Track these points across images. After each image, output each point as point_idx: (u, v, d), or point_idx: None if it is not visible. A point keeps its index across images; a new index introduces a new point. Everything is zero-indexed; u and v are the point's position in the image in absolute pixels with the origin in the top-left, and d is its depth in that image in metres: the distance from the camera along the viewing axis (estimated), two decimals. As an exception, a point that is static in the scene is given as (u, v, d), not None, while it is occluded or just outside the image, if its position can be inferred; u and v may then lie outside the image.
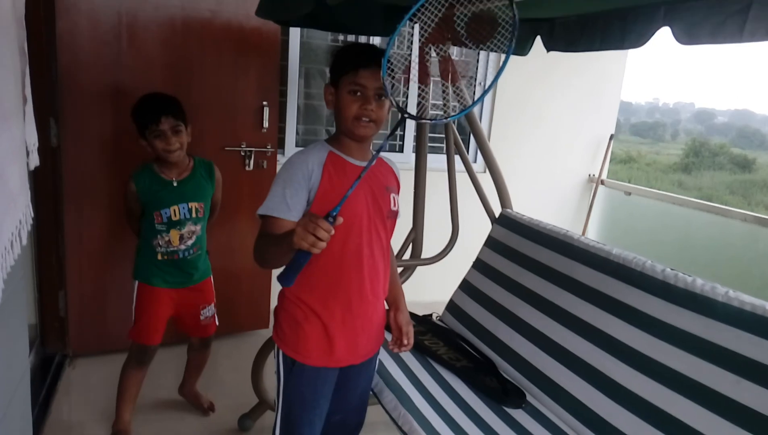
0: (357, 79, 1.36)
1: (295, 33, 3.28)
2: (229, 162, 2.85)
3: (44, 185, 2.51)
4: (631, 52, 4.27)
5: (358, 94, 1.37)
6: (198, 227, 2.11)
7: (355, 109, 1.38)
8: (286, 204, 1.36)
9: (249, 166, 2.89)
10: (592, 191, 4.26)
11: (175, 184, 2.04)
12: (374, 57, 1.36)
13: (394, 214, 1.53)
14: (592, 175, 4.29)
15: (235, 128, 2.84)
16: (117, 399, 2.17)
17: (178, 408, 2.43)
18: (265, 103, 2.86)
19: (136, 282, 2.10)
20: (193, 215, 2.07)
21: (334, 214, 1.15)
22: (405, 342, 1.55)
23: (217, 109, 2.78)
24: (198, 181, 2.10)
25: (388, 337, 1.62)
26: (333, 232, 1.13)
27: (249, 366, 2.25)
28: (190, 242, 2.09)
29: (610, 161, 4.41)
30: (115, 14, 2.47)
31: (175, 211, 2.03)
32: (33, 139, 1.33)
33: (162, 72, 2.62)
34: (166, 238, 2.05)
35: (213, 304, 2.25)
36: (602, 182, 4.25)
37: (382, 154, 1.49)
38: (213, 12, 2.66)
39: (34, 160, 1.35)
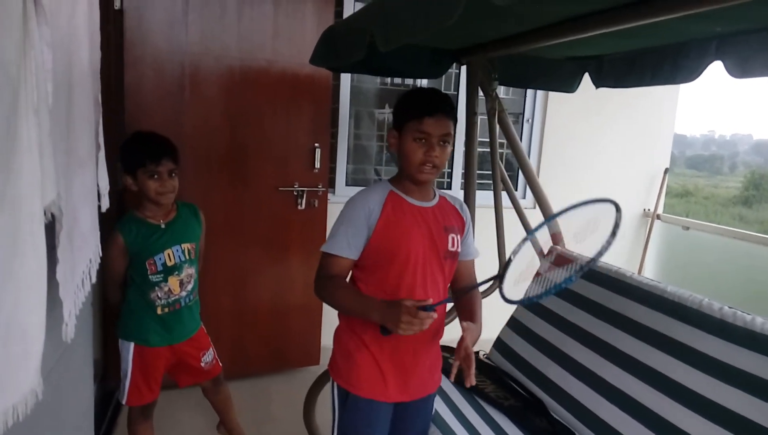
0: (422, 127, 1.40)
1: (345, 77, 3.39)
2: (283, 201, 2.95)
3: (110, 227, 2.64)
4: (684, 84, 4.19)
5: (423, 141, 1.41)
6: (193, 270, 2.03)
7: (419, 155, 1.41)
8: (347, 243, 1.42)
9: (301, 206, 2.97)
10: (648, 226, 4.14)
11: (163, 226, 1.95)
12: (439, 104, 1.41)
13: (453, 255, 1.53)
14: (647, 210, 4.18)
15: (288, 169, 2.94)
16: None
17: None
18: (317, 144, 2.95)
19: (132, 344, 1.97)
20: (188, 257, 1.99)
21: (433, 307, 1.27)
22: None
23: (272, 151, 2.89)
24: (186, 220, 2.03)
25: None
26: (434, 318, 1.27)
27: (300, 402, 2.27)
28: (190, 287, 2.02)
29: (666, 195, 4.29)
30: (179, 65, 2.64)
31: (169, 255, 1.94)
32: (104, 184, 1.43)
33: (221, 118, 2.76)
34: (166, 289, 1.95)
35: (211, 349, 2.17)
36: (658, 217, 4.13)
37: (447, 193, 1.61)
38: (269, 62, 2.80)
39: (105, 203, 1.44)
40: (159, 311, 1.96)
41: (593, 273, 2.05)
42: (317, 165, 2.98)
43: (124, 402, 2.00)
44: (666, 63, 2.01)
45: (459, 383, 2.03)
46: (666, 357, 1.63)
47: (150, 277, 1.92)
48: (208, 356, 2.15)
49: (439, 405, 1.86)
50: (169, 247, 1.94)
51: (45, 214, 0.92)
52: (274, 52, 2.81)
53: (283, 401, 2.85)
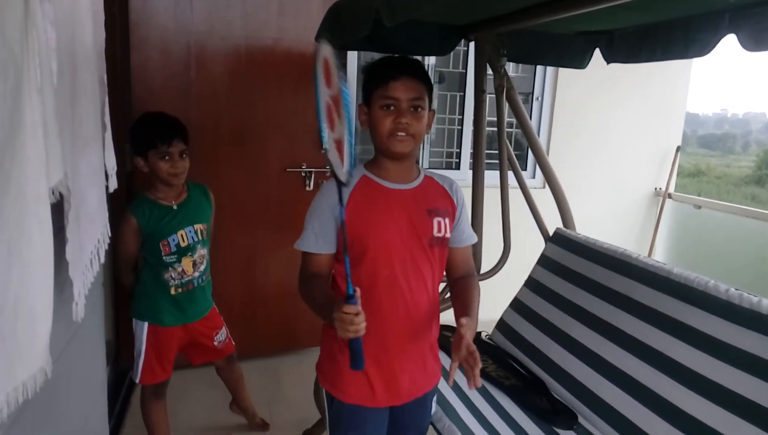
0: (388, 92, 1.28)
1: (352, 57, 3.36)
2: (291, 183, 2.94)
3: (118, 208, 2.66)
4: (696, 62, 4.13)
5: (391, 108, 1.28)
6: (205, 251, 2.04)
7: (388, 124, 1.28)
8: (315, 238, 1.34)
9: (309, 187, 2.97)
10: (659, 205, 4.10)
11: (175, 207, 1.95)
12: (405, 67, 1.30)
13: (441, 241, 1.37)
14: (658, 189, 4.13)
15: (295, 150, 2.93)
16: (152, 432, 2.11)
17: (235, 428, 2.48)
18: (324, 124, 2.93)
19: (146, 324, 1.99)
20: (200, 237, 2.00)
21: (351, 292, 1.13)
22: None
23: (280, 131, 2.88)
24: (197, 201, 2.03)
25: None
26: (359, 309, 1.11)
27: (310, 382, 2.29)
28: (202, 268, 2.03)
29: (678, 175, 4.25)
30: (185, 46, 2.62)
31: (182, 236, 1.94)
32: (111, 164, 1.43)
33: (227, 98, 2.75)
34: (179, 269, 1.96)
35: (224, 328, 2.19)
36: (670, 196, 4.09)
37: (437, 172, 1.46)
38: (275, 40, 2.78)
39: (113, 184, 1.44)
40: (173, 292, 1.97)
41: (598, 254, 2.04)
42: (325, 145, 2.96)
43: (137, 381, 2.03)
44: (678, 37, 1.97)
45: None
46: (670, 338, 1.62)
47: (164, 258, 1.93)
48: (221, 335, 2.16)
49: (440, 383, 1.86)
50: (181, 228, 1.94)
51: (53, 193, 0.92)
52: (280, 29, 2.78)
53: (293, 381, 2.88)
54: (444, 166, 3.81)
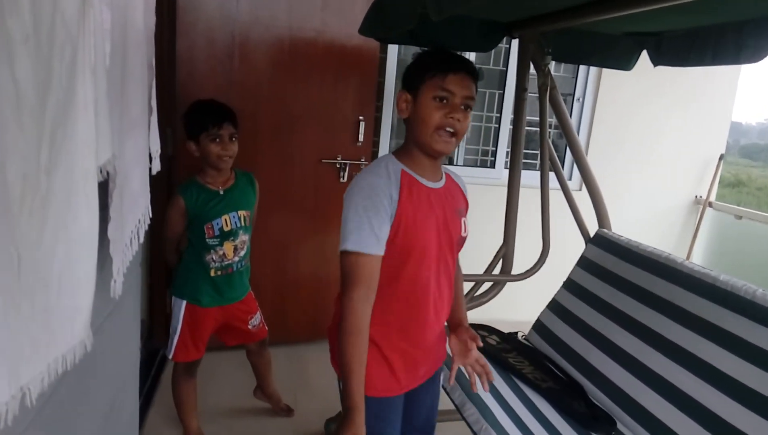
0: (445, 84, 1.22)
1: (392, 50, 3.35)
2: (326, 174, 2.96)
3: (159, 190, 2.71)
4: (745, 68, 3.98)
5: (445, 101, 1.23)
6: (247, 237, 2.09)
7: (438, 117, 1.23)
8: (376, 236, 1.20)
9: (343, 178, 2.98)
10: (699, 214, 3.99)
11: (221, 192, 2.01)
12: (464, 63, 1.26)
13: (463, 241, 1.40)
14: (698, 197, 4.02)
15: (332, 141, 2.94)
16: (178, 412, 2.18)
17: (261, 412, 2.51)
18: (361, 117, 2.94)
19: (184, 302, 2.04)
20: (243, 224, 2.05)
21: None
22: (477, 353, 1.42)
23: (317, 123, 2.90)
24: (243, 189, 2.09)
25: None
26: None
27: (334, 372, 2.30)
28: (242, 253, 2.08)
29: (717, 185, 4.12)
30: (229, 34, 2.65)
31: (226, 220, 2.00)
32: (156, 147, 1.46)
33: (269, 87, 2.77)
34: (221, 252, 2.02)
35: (258, 313, 2.23)
36: (710, 204, 3.97)
37: (451, 168, 1.46)
38: (318, 32, 2.79)
39: (156, 166, 1.46)
40: (212, 273, 2.03)
41: (641, 257, 1.99)
42: (361, 138, 2.97)
43: (170, 357, 2.09)
44: (730, 41, 1.91)
45: (495, 362, 2.02)
46: (715, 347, 1.58)
47: (207, 240, 1.99)
48: (256, 320, 2.22)
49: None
50: (226, 213, 2.00)
51: (100, 172, 0.94)
52: (323, 22, 2.79)
53: (318, 370, 2.90)
54: (479, 164, 3.78)
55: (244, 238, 2.07)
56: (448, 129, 1.24)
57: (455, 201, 1.38)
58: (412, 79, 1.29)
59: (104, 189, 1.03)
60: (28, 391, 0.74)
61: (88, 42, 0.86)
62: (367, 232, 1.19)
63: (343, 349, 1.20)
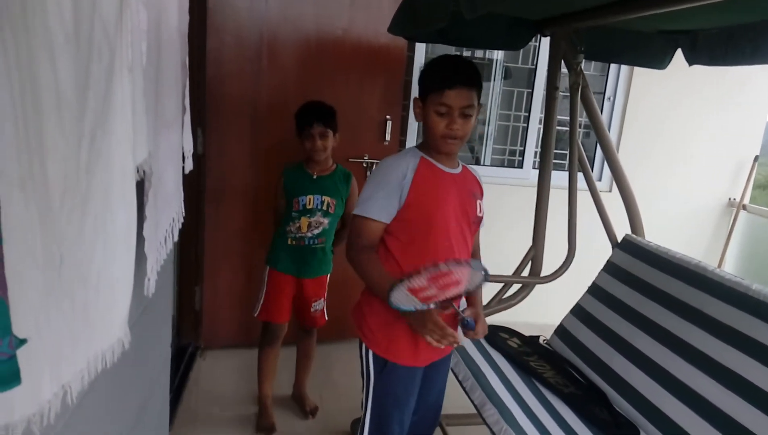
0: (443, 100, 1.41)
1: (420, 49, 3.33)
2: (353, 173, 2.94)
3: (189, 189, 2.74)
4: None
5: (445, 114, 1.42)
6: (326, 221, 2.31)
7: (441, 128, 1.43)
8: (381, 206, 1.44)
9: (370, 178, 2.97)
10: (732, 217, 3.88)
11: (315, 177, 2.31)
12: (460, 75, 1.42)
13: (479, 220, 1.58)
14: (732, 199, 3.92)
15: (359, 140, 2.93)
16: (258, 377, 2.41)
17: (294, 408, 2.53)
18: (388, 117, 2.93)
19: (267, 268, 2.36)
20: (324, 208, 2.29)
21: (471, 323, 1.40)
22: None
23: (345, 122, 2.87)
24: (335, 180, 2.35)
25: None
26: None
27: (358, 370, 2.30)
28: (316, 231, 2.30)
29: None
30: (258, 33, 2.67)
31: (310, 199, 2.28)
32: (189, 146, 1.47)
33: (296, 86, 2.78)
34: (297, 224, 2.28)
35: (323, 299, 2.43)
36: (744, 207, 3.87)
37: (477, 168, 1.65)
38: (345, 30, 2.79)
39: (189, 165, 1.48)
40: (289, 241, 2.31)
41: (670, 264, 1.94)
42: (387, 137, 2.96)
43: (255, 315, 2.38)
44: (767, 40, 1.86)
45: (516, 365, 1.99)
46: (745, 358, 1.53)
47: (292, 212, 2.29)
48: (318, 305, 2.42)
49: (495, 383, 1.84)
50: (312, 193, 2.29)
51: (137, 171, 0.95)
52: (351, 20, 2.78)
53: (344, 369, 2.90)
54: (506, 164, 3.74)
55: (320, 219, 2.30)
56: (450, 139, 1.45)
57: (470, 185, 1.57)
58: (420, 90, 1.49)
59: (140, 188, 1.04)
60: (69, 389, 0.75)
61: (125, 42, 0.87)
62: (374, 202, 1.44)
63: (369, 282, 1.47)
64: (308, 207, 2.28)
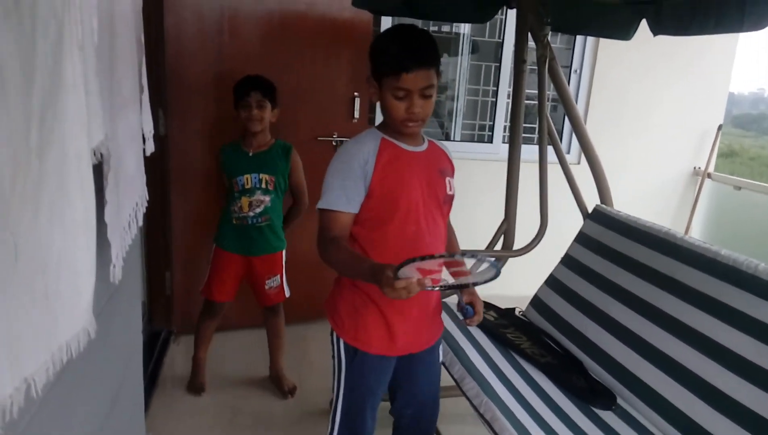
0: (399, 84, 1.30)
1: (386, 23, 3.28)
2: (321, 152, 2.92)
3: (153, 172, 2.67)
4: (742, 37, 3.93)
5: (403, 97, 1.32)
6: (267, 198, 2.30)
7: (401, 112, 1.34)
8: (346, 197, 1.35)
9: (340, 156, 2.94)
10: (698, 186, 3.97)
11: (250, 154, 2.28)
12: (417, 57, 1.31)
13: (450, 199, 1.50)
14: (697, 168, 4.00)
15: (327, 118, 2.89)
16: (194, 342, 2.48)
17: (272, 388, 2.53)
18: (356, 94, 2.89)
19: (214, 246, 2.39)
20: (263, 186, 2.28)
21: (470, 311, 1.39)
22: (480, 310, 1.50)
23: (311, 99, 2.85)
24: (272, 156, 2.32)
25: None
26: (416, 278, 1.14)
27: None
28: (258, 210, 2.30)
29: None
30: (218, 9, 2.59)
31: (247, 179, 2.26)
32: (149, 127, 1.42)
33: (260, 63, 2.71)
34: (239, 205, 2.28)
35: (279, 276, 2.43)
36: (709, 175, 3.96)
37: (447, 144, 1.56)
38: (308, 5, 2.72)
39: (150, 147, 1.43)
40: (234, 221, 2.32)
41: (641, 232, 1.97)
42: (356, 115, 2.92)
43: (200, 291, 2.44)
44: (733, 8, 1.87)
45: (493, 337, 2.02)
46: (716, 322, 1.57)
47: (234, 193, 2.29)
48: (273, 282, 2.41)
49: (473, 355, 1.86)
50: (248, 173, 2.27)
51: (93, 154, 0.90)
52: (314, -5, 2.72)
53: (321, 348, 2.88)
54: (476, 140, 3.74)
55: (261, 197, 2.29)
56: (411, 122, 1.35)
57: (438, 162, 1.48)
58: (374, 68, 1.37)
59: (98, 172, 1.00)
60: (33, 381, 0.72)
61: (73, 17, 0.83)
62: (337, 193, 1.35)
63: (343, 268, 1.39)
64: (246, 187, 2.27)
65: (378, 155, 1.37)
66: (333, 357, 1.51)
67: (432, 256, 1.17)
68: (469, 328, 2.07)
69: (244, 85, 2.25)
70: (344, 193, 1.35)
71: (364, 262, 1.29)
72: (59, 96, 0.78)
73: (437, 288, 1.25)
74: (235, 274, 2.37)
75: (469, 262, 1.26)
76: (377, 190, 1.36)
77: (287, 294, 2.47)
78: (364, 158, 1.35)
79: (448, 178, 1.48)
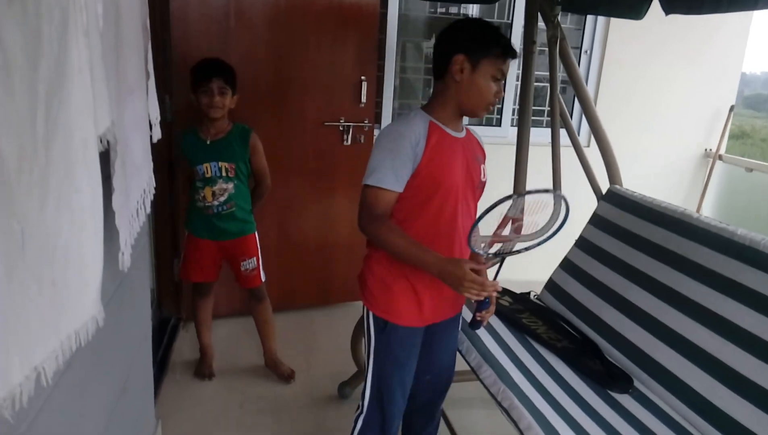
0: (504, 67, 1.40)
1: (393, 5, 3.24)
2: (329, 137, 2.90)
3: (160, 158, 2.66)
4: (756, 16, 3.85)
5: (499, 81, 1.41)
6: (230, 186, 2.26)
7: (491, 94, 1.41)
8: (395, 175, 1.38)
9: (347, 141, 2.92)
10: (709, 167, 3.92)
11: (208, 142, 2.23)
12: (514, 49, 1.43)
13: (483, 185, 1.57)
14: (708, 150, 3.95)
15: (334, 103, 2.87)
16: (196, 329, 2.50)
17: (275, 377, 2.52)
18: (363, 77, 2.86)
19: (187, 232, 2.37)
20: (223, 174, 2.24)
21: (487, 302, 1.41)
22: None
23: (318, 84, 2.82)
24: (230, 142, 2.25)
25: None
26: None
27: (345, 336, 2.31)
28: (222, 199, 2.26)
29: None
30: (224, -8, 2.56)
31: (207, 168, 2.22)
32: (155, 113, 1.41)
33: (266, 48, 2.69)
34: (202, 194, 2.25)
35: (255, 258, 2.39)
36: (720, 157, 3.91)
37: (468, 126, 1.60)
38: (314, -12, 2.68)
39: (157, 133, 1.42)
40: (201, 212, 2.28)
41: (656, 213, 1.95)
42: (363, 99, 2.89)
43: (178, 275, 2.48)
44: (747, -15, 1.82)
45: (509, 323, 2.01)
46: (733, 303, 1.55)
47: (196, 182, 2.26)
48: (249, 264, 2.38)
49: (489, 342, 1.84)
50: (207, 161, 2.22)
51: (100, 141, 0.90)
52: (321, -22, 2.68)
53: (328, 334, 2.91)
54: (484, 123, 3.71)
55: (223, 186, 2.25)
56: (494, 104, 1.45)
57: (475, 149, 1.55)
58: (472, 49, 1.40)
59: (105, 159, 0.99)
60: (43, 370, 0.72)
61: (78, 3, 0.81)
62: (387, 170, 1.37)
63: (393, 251, 1.40)
64: (207, 175, 2.23)
65: (428, 137, 1.41)
66: (364, 330, 1.56)
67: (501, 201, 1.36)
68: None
69: (206, 70, 2.17)
70: (393, 171, 1.38)
71: (427, 253, 1.34)
72: (65, 83, 0.77)
73: (489, 253, 1.39)
74: (209, 256, 2.36)
75: (541, 203, 1.42)
76: (423, 170, 1.40)
77: (263, 278, 2.43)
78: (415, 139, 1.39)
79: (482, 166, 1.55)
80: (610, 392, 1.65)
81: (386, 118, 3.40)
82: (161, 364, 2.47)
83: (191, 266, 2.38)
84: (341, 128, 2.91)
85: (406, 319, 1.50)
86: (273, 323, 2.52)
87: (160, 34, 2.52)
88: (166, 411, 2.16)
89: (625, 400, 1.63)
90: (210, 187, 2.23)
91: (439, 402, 1.77)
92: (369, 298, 1.53)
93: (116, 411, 1.29)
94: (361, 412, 1.57)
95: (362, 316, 1.57)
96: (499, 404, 1.59)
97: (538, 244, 1.46)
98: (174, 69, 2.56)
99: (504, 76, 1.41)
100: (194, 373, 2.47)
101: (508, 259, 1.50)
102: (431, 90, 1.53)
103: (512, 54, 1.41)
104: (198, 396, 2.33)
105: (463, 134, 1.51)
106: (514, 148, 2.51)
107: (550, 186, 2.44)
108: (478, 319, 1.47)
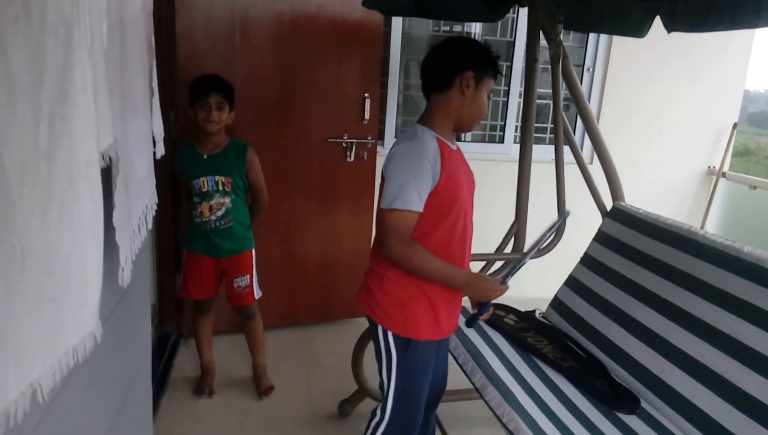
0: (492, 86, 1.53)
1: (396, 23, 3.27)
2: (332, 153, 2.91)
3: (163, 175, 2.67)
4: (758, 34, 3.87)
5: (489, 98, 1.54)
6: (227, 200, 2.26)
7: (485, 110, 1.53)
8: (419, 196, 1.40)
9: (350, 158, 2.93)
10: (712, 184, 3.92)
11: (205, 157, 2.23)
12: None
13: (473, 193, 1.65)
14: (711, 168, 3.94)
15: (337, 120, 2.88)
16: (196, 346, 2.50)
17: (280, 390, 2.51)
18: (366, 94, 2.88)
19: (186, 250, 2.38)
20: (220, 188, 2.24)
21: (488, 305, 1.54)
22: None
23: (322, 101, 2.84)
24: (227, 157, 2.26)
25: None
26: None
27: (347, 353, 2.29)
28: (219, 213, 2.26)
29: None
30: (229, 11, 2.59)
31: (203, 182, 2.23)
32: (159, 130, 1.41)
33: (271, 66, 2.72)
34: (200, 210, 2.25)
35: (249, 276, 2.39)
36: (724, 175, 3.90)
37: (460, 144, 1.66)
38: (319, 6, 2.72)
39: (160, 150, 1.43)
40: (200, 227, 2.29)
41: (662, 230, 1.94)
42: (367, 116, 2.91)
43: (177, 292, 2.48)
44: (748, 4, 1.84)
45: (514, 342, 1.99)
46: (740, 321, 1.54)
47: (194, 197, 2.27)
48: (242, 281, 2.38)
49: (494, 362, 1.83)
50: (204, 176, 2.23)
51: (102, 158, 0.90)
52: (325, -4, 2.71)
53: (330, 350, 2.89)
54: (487, 140, 3.72)
55: (220, 200, 2.25)
56: (482, 120, 1.57)
57: (466, 161, 1.63)
58: (481, 66, 1.49)
59: (107, 176, 1.00)
60: (39, 386, 0.72)
61: (83, 21, 0.82)
62: (413, 192, 1.39)
63: (426, 273, 1.44)
64: (203, 189, 2.23)
65: (442, 153, 1.44)
66: (379, 349, 1.57)
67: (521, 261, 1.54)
68: (489, 333, 2.04)
69: (204, 85, 2.19)
70: (418, 193, 1.40)
71: (458, 271, 1.47)
72: (68, 100, 0.78)
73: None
74: (208, 273, 2.35)
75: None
76: (442, 189, 1.43)
77: (257, 295, 2.42)
78: (433, 157, 1.41)
79: (472, 176, 1.63)
80: (617, 413, 1.63)
81: (389, 134, 3.41)
82: (161, 380, 2.45)
83: (191, 283, 2.37)
84: (344, 145, 2.92)
85: (426, 334, 1.53)
86: (263, 339, 2.52)
87: (166, 52, 2.54)
88: (165, 428, 2.15)
89: (633, 421, 1.61)
90: (207, 201, 2.24)
91: (434, 409, 1.82)
92: (384, 318, 1.53)
93: (114, 428, 1.28)
94: (382, 419, 1.58)
95: (376, 337, 1.56)
96: (504, 426, 1.57)
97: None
98: (179, 87, 2.58)
99: (491, 92, 1.54)
100: (194, 390, 2.45)
101: (513, 277, 1.57)
102: (428, 104, 1.57)
103: (500, 72, 1.55)
104: (198, 413, 2.32)
105: (455, 147, 1.57)
106: (516, 165, 2.51)
107: (553, 202, 2.44)
108: (481, 320, 1.57)
